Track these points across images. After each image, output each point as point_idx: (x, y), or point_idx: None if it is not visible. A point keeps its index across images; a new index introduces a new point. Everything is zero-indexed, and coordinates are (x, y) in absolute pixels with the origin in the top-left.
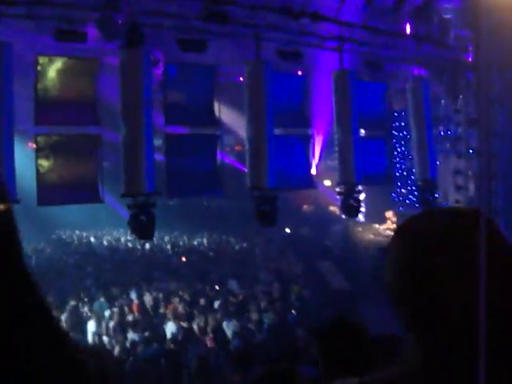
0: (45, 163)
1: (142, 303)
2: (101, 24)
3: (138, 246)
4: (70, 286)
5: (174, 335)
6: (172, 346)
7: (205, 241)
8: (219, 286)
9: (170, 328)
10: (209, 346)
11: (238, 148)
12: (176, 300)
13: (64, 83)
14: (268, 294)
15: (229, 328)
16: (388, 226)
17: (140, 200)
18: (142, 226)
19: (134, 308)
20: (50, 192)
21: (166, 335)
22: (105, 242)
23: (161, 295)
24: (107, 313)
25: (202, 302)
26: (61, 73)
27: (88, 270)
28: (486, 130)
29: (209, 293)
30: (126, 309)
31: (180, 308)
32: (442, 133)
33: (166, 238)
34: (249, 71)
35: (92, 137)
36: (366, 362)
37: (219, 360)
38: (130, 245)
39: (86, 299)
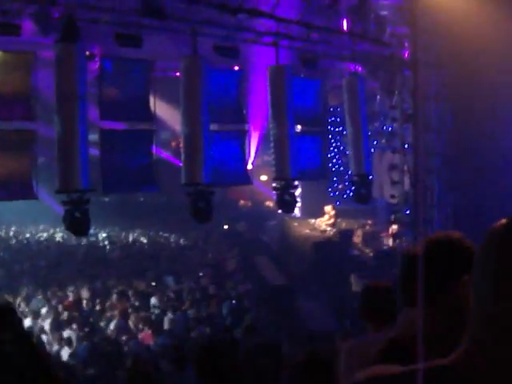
0: None
1: (78, 300)
2: (37, 17)
3: (74, 243)
4: (6, 282)
5: (110, 332)
6: (108, 343)
7: (141, 237)
8: (156, 282)
9: (107, 325)
10: (145, 343)
11: (174, 144)
12: (113, 297)
13: None
14: (204, 290)
15: (166, 324)
16: (325, 221)
17: (74, 197)
18: (76, 223)
19: (71, 305)
20: None
21: (102, 332)
22: (41, 239)
23: (97, 292)
24: (44, 310)
25: (139, 298)
26: None
27: (24, 266)
28: (421, 126)
29: (145, 289)
30: (62, 306)
31: (117, 304)
32: (378, 128)
33: (103, 235)
34: (185, 66)
35: (27, 132)
36: None
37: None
38: (65, 241)
39: (22, 296)
